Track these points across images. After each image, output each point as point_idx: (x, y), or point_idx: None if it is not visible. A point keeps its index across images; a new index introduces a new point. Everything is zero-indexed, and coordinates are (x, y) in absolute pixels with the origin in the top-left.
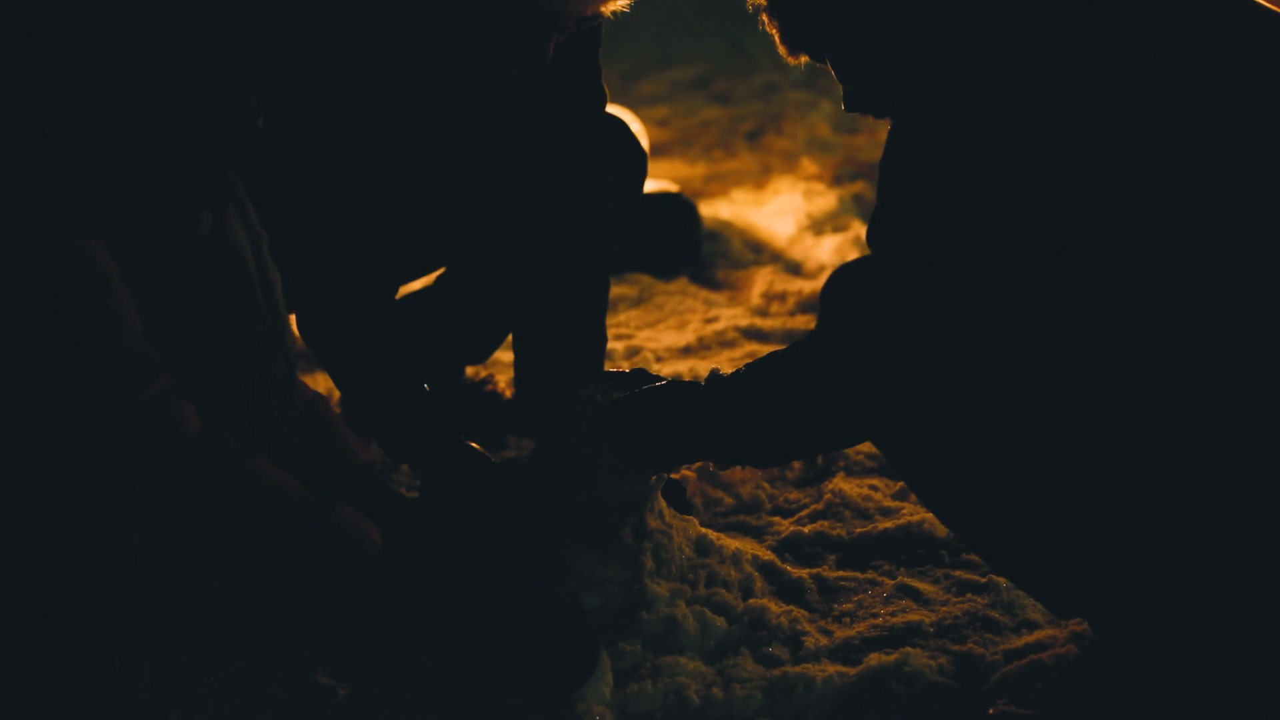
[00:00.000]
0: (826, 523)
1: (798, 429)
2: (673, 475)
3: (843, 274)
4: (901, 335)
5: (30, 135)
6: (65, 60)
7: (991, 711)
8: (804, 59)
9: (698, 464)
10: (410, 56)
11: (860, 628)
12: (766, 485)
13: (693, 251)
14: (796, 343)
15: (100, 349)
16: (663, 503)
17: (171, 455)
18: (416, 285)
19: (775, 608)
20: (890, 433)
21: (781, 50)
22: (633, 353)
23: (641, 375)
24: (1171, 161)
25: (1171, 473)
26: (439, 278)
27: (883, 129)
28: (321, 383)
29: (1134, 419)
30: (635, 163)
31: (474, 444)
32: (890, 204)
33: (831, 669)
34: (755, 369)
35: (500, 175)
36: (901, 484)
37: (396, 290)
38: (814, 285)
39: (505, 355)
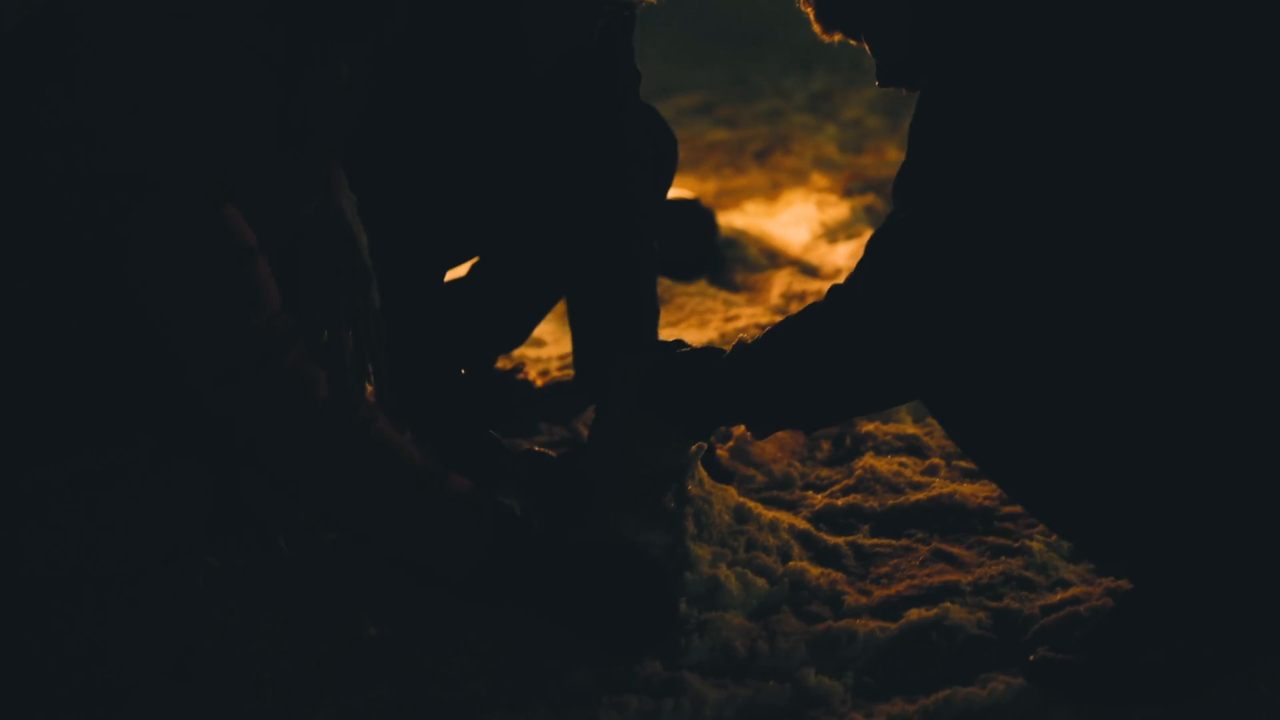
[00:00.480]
0: (859, 496)
1: (832, 378)
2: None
3: (887, 228)
4: (948, 282)
5: (172, 110)
6: (200, 38)
7: (1032, 658)
8: (838, 36)
9: (730, 442)
10: (458, 37)
11: (898, 588)
12: (797, 464)
13: (711, 256)
14: (816, 304)
15: (247, 315)
16: (703, 471)
17: (308, 419)
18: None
19: (814, 570)
20: (932, 379)
21: (816, 28)
22: None
23: (683, 346)
24: (1191, 126)
25: (1205, 434)
26: (472, 268)
27: (889, 149)
28: None
29: (1168, 375)
30: (668, 141)
31: (495, 433)
32: (917, 161)
33: (873, 624)
34: (784, 326)
35: (541, 153)
36: (930, 460)
37: (434, 277)
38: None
39: (530, 351)
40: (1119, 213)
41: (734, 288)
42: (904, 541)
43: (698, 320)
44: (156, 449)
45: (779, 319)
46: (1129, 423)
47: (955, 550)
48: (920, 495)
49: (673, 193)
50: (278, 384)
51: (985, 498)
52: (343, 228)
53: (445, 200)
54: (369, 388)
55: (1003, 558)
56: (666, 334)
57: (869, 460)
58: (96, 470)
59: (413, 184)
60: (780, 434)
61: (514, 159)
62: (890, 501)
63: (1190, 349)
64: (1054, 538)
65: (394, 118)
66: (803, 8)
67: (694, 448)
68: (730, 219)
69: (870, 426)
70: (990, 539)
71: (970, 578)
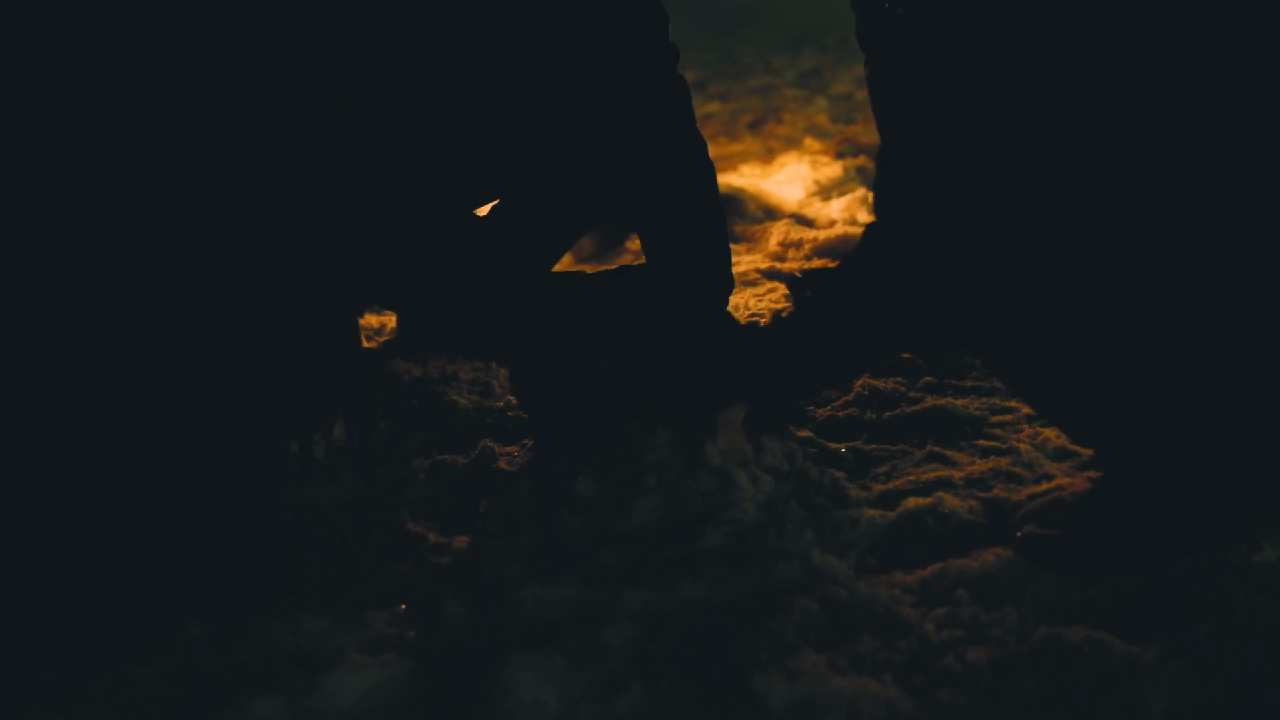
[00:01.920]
0: (856, 409)
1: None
2: None
3: (895, 139)
4: (952, 179)
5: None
6: None
7: (1019, 535)
8: None
9: None
10: None
11: (896, 483)
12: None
13: None
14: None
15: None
16: None
17: (426, 233)
18: None
19: (817, 469)
20: (938, 267)
21: None
22: None
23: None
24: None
25: (1180, 321)
26: (491, 209)
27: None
28: None
29: (1148, 267)
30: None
31: None
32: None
33: (873, 512)
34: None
35: (562, 98)
36: (924, 379)
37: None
38: (828, 234)
39: None
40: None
41: (734, 238)
42: (900, 446)
43: None
44: (242, 327)
45: (778, 265)
46: (1123, 318)
47: (948, 453)
48: (915, 408)
49: None
50: (403, 206)
51: (976, 409)
52: None
53: (467, 138)
54: None
55: (992, 457)
56: None
57: (866, 380)
58: (179, 339)
59: (435, 123)
60: None
61: (536, 102)
62: (887, 414)
63: (1159, 236)
64: (1040, 439)
65: (420, 59)
66: None
67: None
68: (728, 179)
69: None
70: (980, 442)
71: (962, 474)
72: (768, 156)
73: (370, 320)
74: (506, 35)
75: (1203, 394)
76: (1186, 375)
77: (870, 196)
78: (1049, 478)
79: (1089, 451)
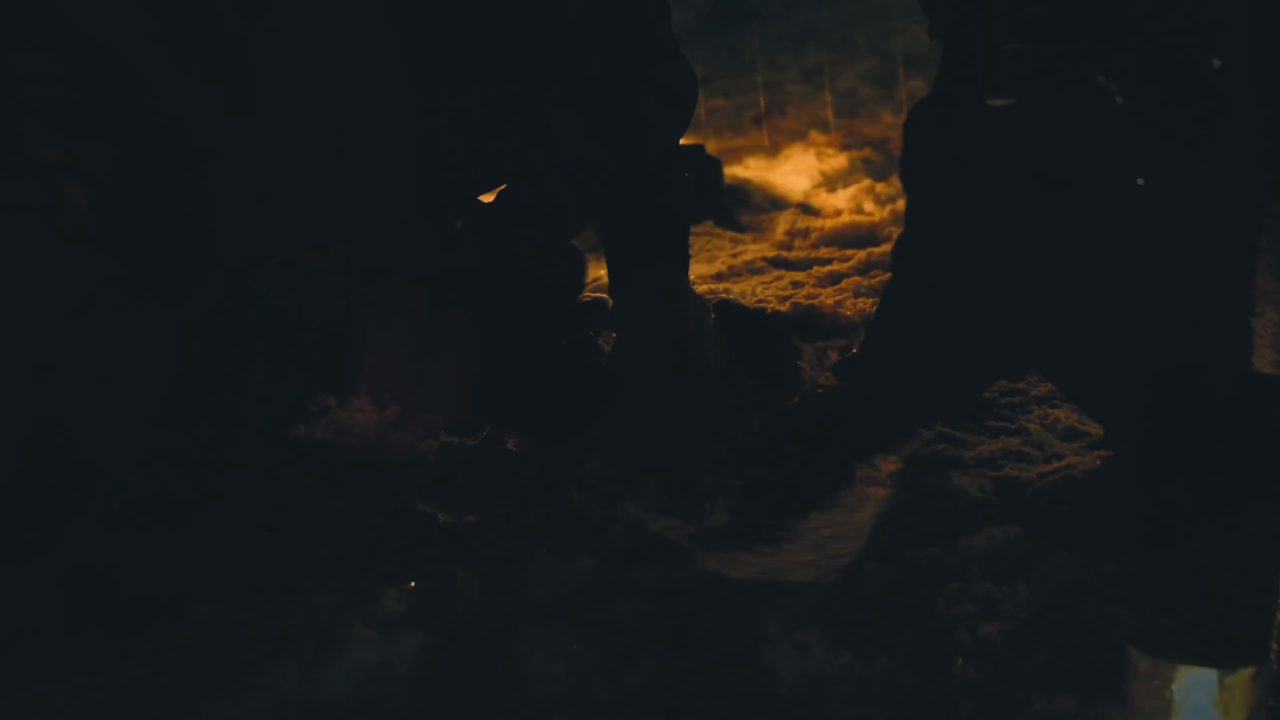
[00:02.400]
0: None
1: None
2: None
3: (917, 106)
4: (965, 141)
5: None
6: None
7: (1030, 512)
8: None
9: None
10: None
11: (906, 462)
12: (805, 367)
13: (716, 199)
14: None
15: None
16: None
17: None
18: None
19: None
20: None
21: None
22: None
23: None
24: None
25: (1191, 298)
26: (499, 193)
27: (884, 113)
28: None
29: (1157, 240)
30: (688, 82)
31: None
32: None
33: (883, 491)
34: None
35: (570, 87)
36: None
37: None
38: (835, 222)
39: None
40: None
41: (740, 228)
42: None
43: (706, 256)
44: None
45: (785, 254)
46: (1137, 294)
47: (958, 433)
48: None
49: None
50: None
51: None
52: None
53: (475, 123)
54: None
55: (1002, 437)
56: None
57: None
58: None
59: (445, 107)
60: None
61: (543, 92)
62: None
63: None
64: (1050, 419)
65: (433, 45)
66: None
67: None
68: (733, 171)
69: None
70: (989, 422)
71: (973, 453)
72: (773, 149)
73: None
74: (519, 23)
75: (1216, 371)
76: (1201, 353)
77: (877, 187)
78: (1059, 457)
79: (1099, 431)
